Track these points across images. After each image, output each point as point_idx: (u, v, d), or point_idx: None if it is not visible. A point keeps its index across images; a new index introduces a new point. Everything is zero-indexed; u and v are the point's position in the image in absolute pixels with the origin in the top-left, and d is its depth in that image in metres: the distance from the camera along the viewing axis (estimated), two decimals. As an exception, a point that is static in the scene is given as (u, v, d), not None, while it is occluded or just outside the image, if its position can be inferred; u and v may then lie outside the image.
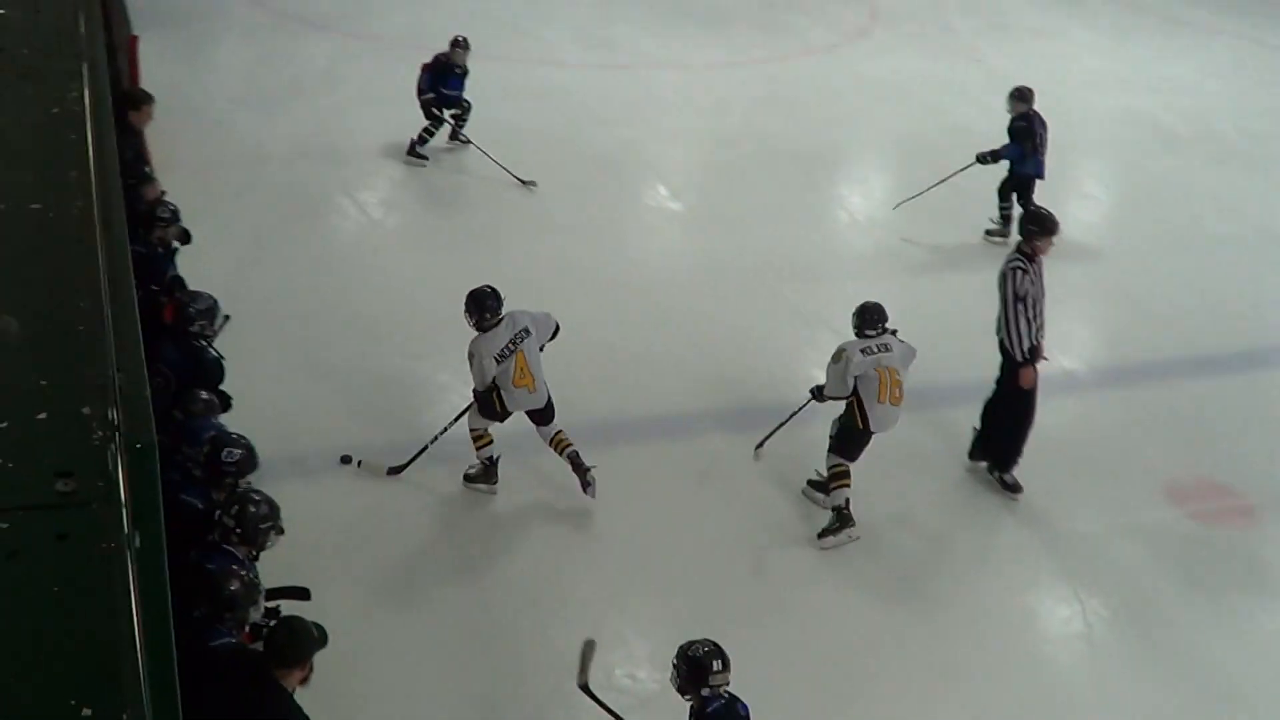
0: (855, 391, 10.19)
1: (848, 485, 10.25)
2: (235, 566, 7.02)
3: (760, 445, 11.21)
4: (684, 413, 11.81)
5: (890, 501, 10.81)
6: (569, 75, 19.78)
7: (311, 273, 13.48)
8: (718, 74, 20.39)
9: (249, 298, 12.24)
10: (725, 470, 11.05)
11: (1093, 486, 11.23)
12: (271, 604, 7.39)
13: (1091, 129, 19.41)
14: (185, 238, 11.12)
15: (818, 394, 10.66)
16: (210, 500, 7.72)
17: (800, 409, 11.03)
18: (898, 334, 10.49)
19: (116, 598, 1.66)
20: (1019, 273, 10.41)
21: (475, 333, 10.17)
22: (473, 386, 10.34)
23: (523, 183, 15.93)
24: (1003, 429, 10.95)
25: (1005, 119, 15.48)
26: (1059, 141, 17.36)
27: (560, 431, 10.43)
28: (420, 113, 16.37)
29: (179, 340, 9.41)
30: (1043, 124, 15.48)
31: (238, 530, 7.18)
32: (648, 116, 18.50)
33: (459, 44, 16.38)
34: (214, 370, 9.52)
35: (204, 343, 9.55)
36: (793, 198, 16.21)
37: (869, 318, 10.36)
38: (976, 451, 11.17)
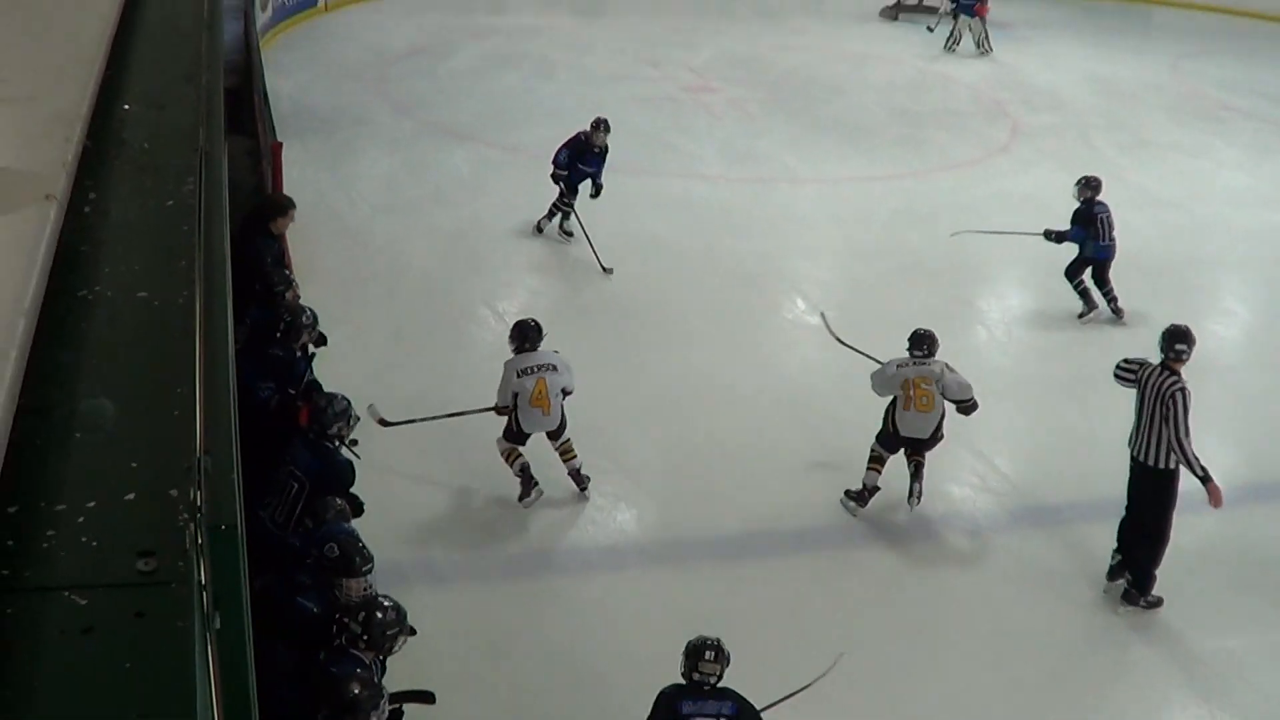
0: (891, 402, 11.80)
1: (876, 471, 11.85)
2: (359, 670, 7.08)
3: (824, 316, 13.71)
4: (825, 524, 11.76)
5: (1025, 617, 10.70)
6: (711, 188, 19.89)
7: (448, 381, 13.56)
8: (858, 188, 20.41)
9: (385, 404, 12.35)
10: (866, 581, 11.03)
11: (1230, 605, 11.03)
12: (395, 707, 7.45)
13: (1232, 245, 19.17)
14: (321, 341, 11.27)
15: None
16: (328, 603, 7.78)
17: (859, 351, 12.87)
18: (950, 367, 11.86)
19: (189, 675, 1.68)
20: (1187, 393, 10.38)
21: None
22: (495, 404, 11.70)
23: (604, 269, 16.39)
24: (1143, 549, 10.81)
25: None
26: (1199, 257, 17.38)
27: (568, 442, 11.73)
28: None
29: (311, 443, 9.52)
30: (1107, 211, 16.19)
31: (364, 637, 7.25)
32: (787, 229, 18.53)
33: (599, 126, 17.23)
34: (345, 473, 9.59)
35: (336, 444, 9.66)
36: (931, 311, 16.06)
37: (915, 341, 12.10)
38: (1115, 572, 11.01)
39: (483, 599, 10.54)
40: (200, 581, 1.78)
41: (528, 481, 11.57)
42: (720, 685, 7.87)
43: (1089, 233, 16.10)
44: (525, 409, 11.47)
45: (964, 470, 12.59)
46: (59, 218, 2.20)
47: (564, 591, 10.51)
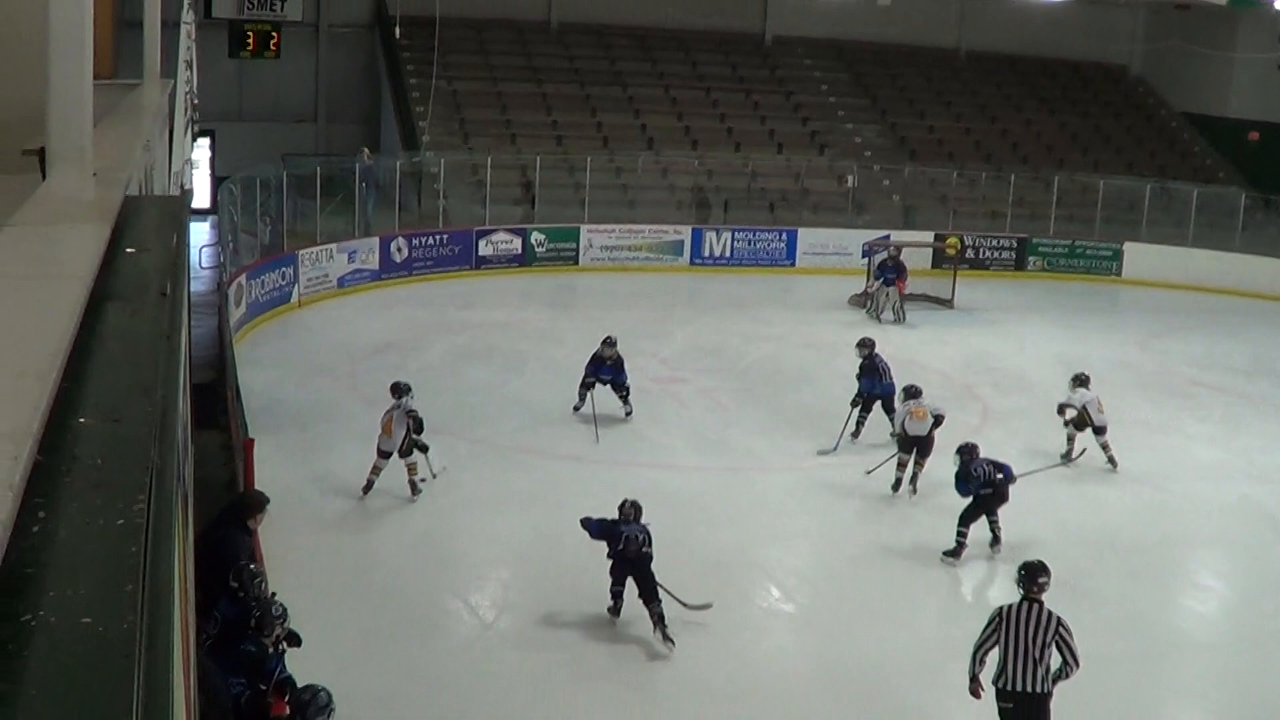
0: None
1: (903, 467, 19.61)
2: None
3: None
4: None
5: None
6: (682, 478, 19.90)
7: (421, 676, 13.44)
8: (829, 474, 20.43)
9: (356, 701, 12.20)
10: None
11: None
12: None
13: (1204, 520, 19.22)
14: (294, 640, 11.23)
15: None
16: None
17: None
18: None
19: None
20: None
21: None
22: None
23: (597, 439, 21.39)
24: None
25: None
26: (1174, 535, 17.59)
27: (414, 464, 18.41)
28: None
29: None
30: (883, 362, 22.47)
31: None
32: (760, 518, 18.48)
33: (606, 341, 22.53)
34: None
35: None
36: (907, 593, 16.07)
37: (910, 392, 20.02)
38: None
39: None
40: None
41: (369, 486, 18.18)
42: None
43: (875, 378, 22.02)
44: (380, 435, 18.18)
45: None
46: (4, 540, 2.16)
47: None
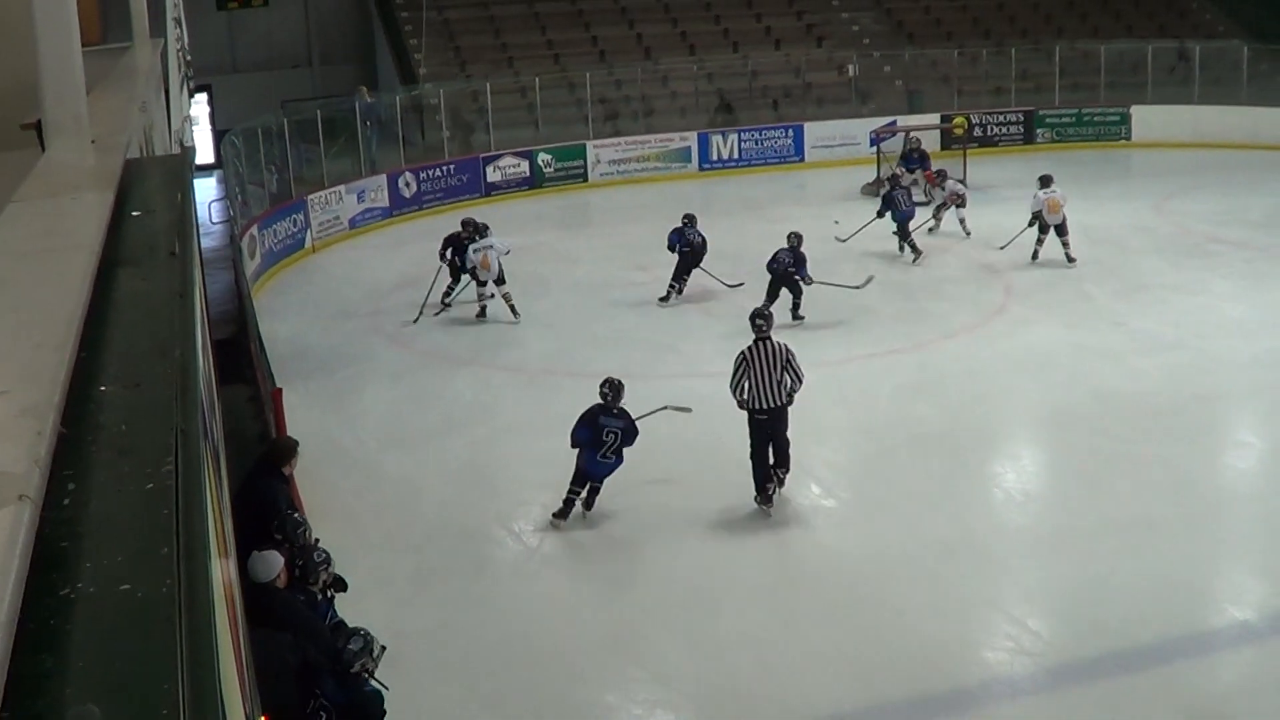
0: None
1: None
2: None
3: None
4: (857, 706, 11.59)
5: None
6: (714, 385, 19.79)
7: (472, 606, 13.48)
8: (861, 367, 20.40)
9: (411, 635, 12.29)
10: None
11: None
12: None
13: (1238, 376, 19.18)
14: (340, 585, 11.29)
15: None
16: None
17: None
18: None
19: None
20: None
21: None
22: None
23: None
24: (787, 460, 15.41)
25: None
26: (1208, 394, 17.62)
27: (508, 294, 23.11)
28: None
29: (339, 677, 9.53)
30: (901, 191, 27.77)
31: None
32: (794, 416, 18.39)
33: (463, 223, 24.32)
34: (372, 703, 9.64)
35: (364, 676, 9.69)
36: (947, 481, 16.04)
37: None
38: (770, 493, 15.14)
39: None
40: None
41: (481, 311, 23.29)
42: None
43: (895, 205, 26.70)
44: (478, 269, 22.79)
45: (997, 635, 12.45)
46: (34, 517, 2.15)
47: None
